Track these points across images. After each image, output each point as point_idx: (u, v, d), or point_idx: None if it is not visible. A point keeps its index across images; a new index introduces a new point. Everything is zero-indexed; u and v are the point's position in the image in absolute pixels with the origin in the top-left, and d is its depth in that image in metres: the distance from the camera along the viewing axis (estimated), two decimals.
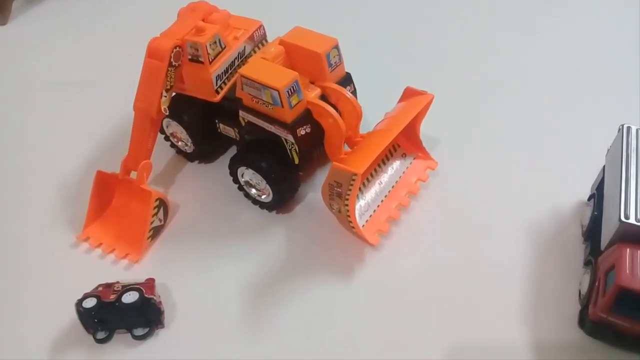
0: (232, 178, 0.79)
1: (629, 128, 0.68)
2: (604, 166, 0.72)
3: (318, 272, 0.73)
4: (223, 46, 0.76)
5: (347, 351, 0.67)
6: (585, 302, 0.65)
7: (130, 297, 0.67)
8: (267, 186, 0.76)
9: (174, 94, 0.77)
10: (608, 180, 0.69)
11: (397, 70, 0.96)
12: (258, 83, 0.71)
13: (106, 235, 0.79)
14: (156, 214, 0.77)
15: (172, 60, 0.73)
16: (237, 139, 0.81)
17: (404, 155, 0.82)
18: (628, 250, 0.59)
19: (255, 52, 0.80)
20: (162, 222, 0.79)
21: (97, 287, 0.70)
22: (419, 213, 0.78)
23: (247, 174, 0.77)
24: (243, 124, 0.77)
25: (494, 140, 0.86)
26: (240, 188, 0.80)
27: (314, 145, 0.76)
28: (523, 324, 0.67)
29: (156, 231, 0.78)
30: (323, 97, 0.75)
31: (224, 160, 0.84)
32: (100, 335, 0.69)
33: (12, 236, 0.81)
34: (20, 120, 0.97)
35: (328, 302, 0.71)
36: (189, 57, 0.75)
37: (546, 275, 0.71)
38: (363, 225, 0.74)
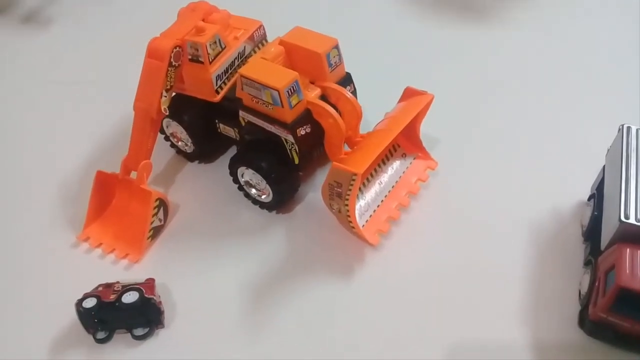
0: (232, 178, 0.79)
1: (629, 128, 0.68)
2: (604, 166, 0.72)
3: (318, 272, 0.73)
4: (223, 46, 0.76)
5: (347, 351, 0.67)
6: (585, 302, 0.65)
7: (130, 297, 0.67)
8: (267, 186, 0.76)
9: (174, 94, 0.77)
10: (608, 180, 0.69)
11: (397, 70, 0.96)
12: (258, 83, 0.71)
13: (106, 235, 0.79)
14: (156, 214, 0.77)
15: (172, 60, 0.73)
16: (237, 139, 0.81)
17: (404, 155, 0.82)
18: (628, 250, 0.59)
19: (255, 52, 0.80)
20: (162, 222, 0.79)
21: (97, 287, 0.70)
22: (419, 213, 0.78)
23: (247, 174, 0.77)
24: (243, 124, 0.77)
25: (493, 140, 0.86)
26: (240, 188, 0.80)
27: (314, 145, 0.76)
28: (523, 324, 0.67)
29: (156, 231, 0.78)
30: (323, 97, 0.75)
31: (224, 160, 0.84)
32: (100, 335, 0.69)
33: (12, 236, 0.81)
34: (20, 120, 0.97)
35: (328, 302, 0.71)
36: (189, 57, 0.75)
37: (546, 275, 0.71)
38: (363, 225, 0.74)
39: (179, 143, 0.85)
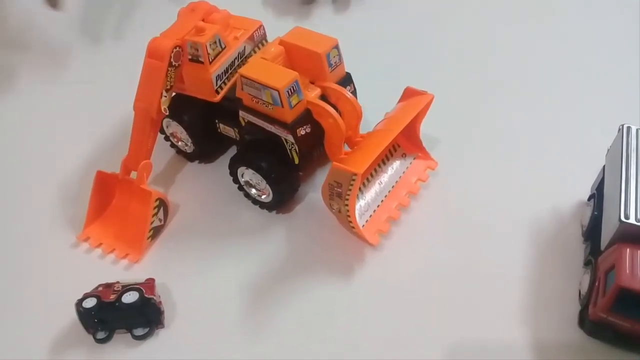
0: (232, 178, 0.79)
1: (629, 128, 0.68)
2: (604, 166, 0.72)
3: (318, 272, 0.73)
4: (223, 46, 0.75)
5: (347, 351, 0.67)
6: (585, 302, 0.65)
7: (130, 297, 0.67)
8: (267, 186, 0.76)
9: (173, 94, 0.77)
10: (608, 180, 0.69)
11: (397, 70, 0.96)
12: (258, 83, 0.71)
13: (106, 235, 0.79)
14: (156, 214, 0.77)
15: (172, 60, 0.73)
16: (237, 139, 0.81)
17: (404, 155, 0.82)
18: (628, 250, 0.59)
19: (255, 52, 0.80)
20: (162, 222, 0.79)
21: (97, 287, 0.70)
22: (419, 213, 0.78)
23: (247, 174, 0.77)
24: (243, 124, 0.77)
25: (493, 140, 0.86)
26: (240, 188, 0.80)
27: (314, 145, 0.76)
28: (523, 324, 0.67)
29: (156, 231, 0.78)
30: (323, 97, 0.75)
31: (224, 160, 0.84)
32: (100, 335, 0.69)
33: (12, 236, 0.81)
34: (20, 120, 0.97)
35: (328, 302, 0.71)
36: (189, 57, 0.75)
37: (546, 275, 0.71)
38: (363, 225, 0.74)
39: (179, 143, 0.85)
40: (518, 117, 0.89)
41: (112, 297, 0.67)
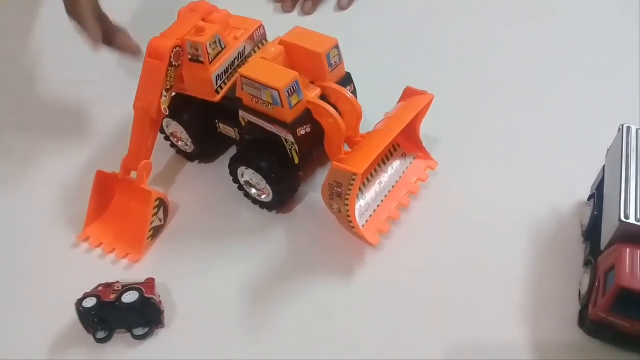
0: (232, 178, 0.79)
1: (629, 128, 0.68)
2: (604, 166, 0.72)
3: (318, 272, 0.73)
4: (223, 46, 0.75)
5: (347, 351, 0.67)
6: (585, 302, 0.65)
7: (130, 297, 0.67)
8: (267, 186, 0.76)
9: (173, 93, 0.77)
10: (608, 180, 0.69)
11: (397, 70, 0.96)
12: (258, 83, 0.71)
13: (106, 235, 0.79)
14: (156, 214, 0.77)
15: (172, 60, 0.73)
16: (237, 138, 0.81)
17: (404, 155, 0.82)
18: (628, 250, 0.59)
19: (255, 52, 0.80)
20: (162, 222, 0.79)
21: (97, 287, 0.70)
22: (418, 213, 0.78)
23: (247, 174, 0.77)
24: (243, 124, 0.77)
25: (493, 140, 0.86)
26: (240, 188, 0.80)
27: (314, 145, 0.76)
28: (523, 324, 0.67)
29: (156, 231, 0.78)
30: (323, 97, 0.75)
31: (224, 160, 0.84)
32: (100, 335, 0.69)
33: (12, 236, 0.81)
34: (19, 119, 0.97)
35: (328, 302, 0.71)
36: (189, 57, 0.75)
37: (546, 275, 0.71)
38: (363, 225, 0.74)
39: (179, 143, 0.85)
40: (518, 117, 0.89)
41: (112, 297, 0.67)
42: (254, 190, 0.79)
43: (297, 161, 0.76)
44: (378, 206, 0.77)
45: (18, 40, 1.12)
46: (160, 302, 0.69)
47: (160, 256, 0.77)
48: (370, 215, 0.76)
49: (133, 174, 0.79)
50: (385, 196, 0.78)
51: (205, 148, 0.85)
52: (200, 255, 0.77)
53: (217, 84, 0.76)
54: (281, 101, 0.70)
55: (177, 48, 0.73)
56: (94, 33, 0.79)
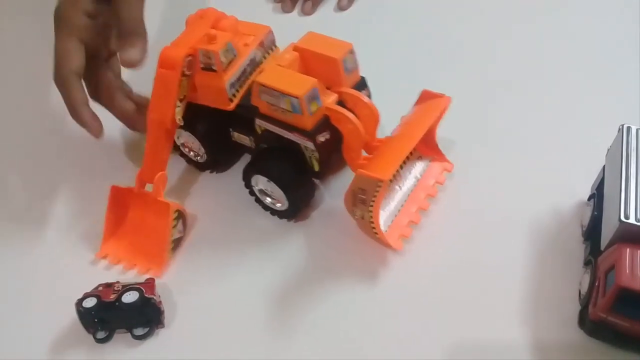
0: (245, 187, 0.78)
1: (629, 128, 0.68)
2: (604, 166, 0.72)
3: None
4: (235, 53, 0.74)
5: (352, 352, 0.67)
6: (585, 302, 0.65)
7: (130, 297, 0.67)
8: (282, 194, 0.75)
9: None
10: (608, 180, 0.69)
11: (400, 71, 0.96)
12: (277, 91, 0.70)
13: (125, 251, 0.77)
14: (175, 225, 0.76)
15: (184, 69, 0.72)
16: (252, 147, 0.80)
17: (420, 158, 0.82)
18: (628, 250, 0.59)
19: (265, 57, 0.79)
20: (182, 234, 0.78)
21: (97, 287, 0.70)
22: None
23: (261, 183, 0.77)
24: (259, 132, 0.76)
25: (493, 140, 0.86)
26: (255, 198, 0.79)
27: (333, 151, 0.76)
28: (523, 324, 0.67)
29: (176, 243, 0.77)
30: (340, 103, 0.75)
31: (235, 169, 0.84)
32: (100, 335, 0.69)
33: (13, 236, 0.81)
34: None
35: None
36: (202, 65, 0.73)
37: (546, 275, 0.71)
38: (386, 231, 0.74)
39: (190, 153, 0.84)
40: (517, 117, 0.89)
41: (112, 296, 0.67)
42: (268, 199, 0.78)
43: (317, 168, 0.75)
44: (399, 211, 0.77)
45: (18, 41, 1.13)
46: (160, 302, 0.69)
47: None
48: (392, 221, 0.76)
49: (148, 187, 0.77)
50: (406, 200, 0.78)
51: (218, 157, 0.84)
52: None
53: (230, 92, 0.75)
54: (301, 108, 0.69)
55: (189, 57, 0.72)
56: (88, 122, 0.75)
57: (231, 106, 0.75)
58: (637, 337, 0.61)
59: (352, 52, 0.76)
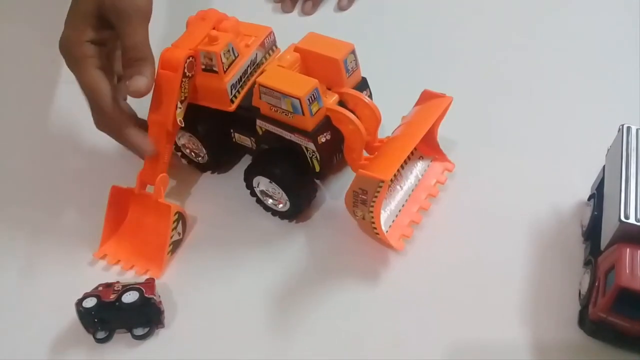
0: (246, 188, 0.78)
1: (629, 128, 0.68)
2: (604, 166, 0.72)
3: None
4: (236, 54, 0.74)
5: (349, 352, 0.67)
6: (585, 302, 0.65)
7: (130, 297, 0.67)
8: (284, 195, 0.75)
9: None
10: (608, 180, 0.69)
11: (401, 71, 0.96)
12: (278, 92, 0.70)
13: (123, 251, 0.77)
14: (175, 227, 0.76)
15: (185, 70, 0.71)
16: (253, 148, 0.80)
17: (421, 158, 0.82)
18: (628, 250, 0.59)
19: (266, 58, 0.79)
20: (181, 236, 0.78)
21: (97, 287, 0.70)
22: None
23: (262, 184, 0.76)
24: (260, 132, 0.76)
25: (494, 140, 0.86)
26: (257, 199, 0.79)
27: (334, 152, 0.76)
28: (523, 324, 0.67)
29: (175, 245, 0.77)
30: (341, 103, 0.75)
31: (237, 170, 0.84)
32: (100, 335, 0.69)
33: (12, 236, 0.81)
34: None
35: (328, 304, 0.71)
36: (203, 66, 0.73)
37: (546, 275, 0.71)
38: (387, 231, 0.74)
39: (191, 154, 0.84)
40: (517, 117, 0.89)
41: (112, 296, 0.67)
42: (270, 200, 0.78)
43: (318, 169, 0.75)
44: (400, 211, 0.77)
45: (16, 41, 1.13)
46: (160, 302, 0.69)
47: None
48: (393, 221, 0.76)
49: (149, 188, 0.77)
50: (407, 200, 0.78)
51: (219, 159, 0.84)
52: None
53: (231, 93, 0.75)
54: (302, 109, 0.69)
55: (191, 58, 0.71)
56: (140, 144, 0.74)
57: (232, 107, 0.75)
58: (637, 337, 0.61)
59: (353, 52, 0.76)
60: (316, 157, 0.74)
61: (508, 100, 0.91)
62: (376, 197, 0.67)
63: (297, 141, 0.73)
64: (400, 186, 0.79)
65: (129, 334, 0.69)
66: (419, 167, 0.81)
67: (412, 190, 0.79)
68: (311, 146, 0.72)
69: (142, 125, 0.76)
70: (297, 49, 0.77)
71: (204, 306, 0.72)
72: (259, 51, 0.77)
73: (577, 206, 0.77)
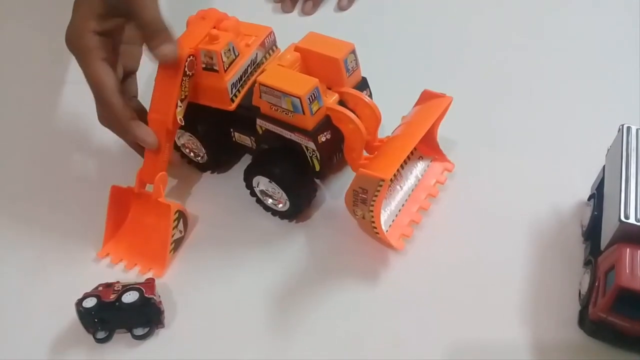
0: (246, 188, 0.78)
1: (629, 128, 0.68)
2: (604, 166, 0.72)
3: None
4: (237, 54, 0.74)
5: (353, 352, 0.67)
6: (585, 302, 0.65)
7: (130, 297, 0.67)
8: (284, 195, 0.75)
9: None
10: (608, 180, 0.69)
11: (401, 71, 0.96)
12: (278, 91, 0.70)
13: (126, 250, 0.77)
14: (176, 226, 0.76)
15: (186, 69, 0.72)
16: (253, 147, 0.80)
17: (421, 158, 0.82)
18: (628, 250, 0.59)
19: (266, 58, 0.79)
20: (183, 234, 0.78)
21: (97, 287, 0.70)
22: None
23: (262, 183, 0.76)
24: (260, 132, 0.76)
25: (494, 140, 0.86)
26: (257, 199, 0.79)
27: (334, 151, 0.76)
28: (523, 324, 0.67)
29: (177, 243, 0.77)
30: (341, 103, 0.75)
31: (237, 169, 0.84)
32: (100, 335, 0.69)
33: (12, 236, 0.81)
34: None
35: (328, 304, 0.71)
36: (203, 65, 0.73)
37: (546, 275, 0.71)
38: (387, 231, 0.74)
39: (191, 154, 0.84)
40: (518, 117, 0.89)
41: (112, 297, 0.67)
42: (270, 200, 0.78)
43: (318, 168, 0.75)
44: (400, 210, 0.77)
45: (16, 41, 1.13)
46: (160, 302, 0.69)
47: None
48: (393, 220, 0.76)
49: (148, 187, 0.77)
50: (407, 200, 0.78)
51: (219, 158, 0.84)
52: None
53: (232, 93, 0.75)
54: (302, 108, 0.69)
55: (191, 57, 0.72)
56: (142, 138, 0.74)
57: (232, 106, 0.75)
58: (637, 337, 0.61)
59: (353, 52, 0.76)
60: (316, 156, 0.74)
61: (508, 100, 0.92)
62: (376, 196, 0.67)
63: (297, 140, 0.73)
64: (400, 186, 0.79)
65: (129, 334, 0.69)
66: (418, 167, 0.81)
67: (412, 190, 0.79)
68: (311, 145, 0.72)
69: (144, 122, 0.75)
70: (297, 49, 0.77)
71: (204, 306, 0.72)
72: (259, 51, 0.77)
73: (577, 206, 0.77)
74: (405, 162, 0.80)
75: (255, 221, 0.79)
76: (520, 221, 0.76)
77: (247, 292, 0.73)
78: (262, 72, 0.76)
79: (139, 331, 0.69)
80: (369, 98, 0.76)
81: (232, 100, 0.75)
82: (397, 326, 0.68)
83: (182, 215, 0.76)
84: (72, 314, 0.67)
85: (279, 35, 0.80)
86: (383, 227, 0.72)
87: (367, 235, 0.76)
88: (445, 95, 0.77)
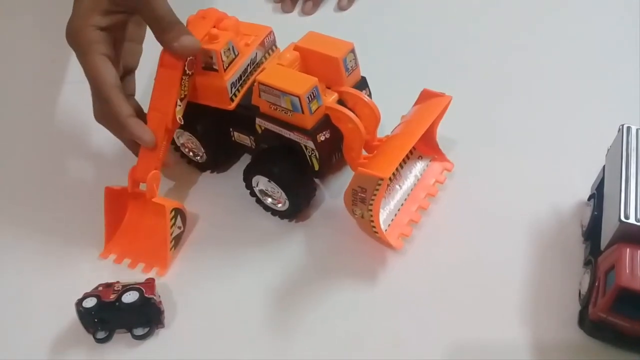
0: (246, 187, 0.78)
1: (629, 128, 0.68)
2: (604, 166, 0.72)
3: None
4: (236, 53, 0.74)
5: (353, 352, 0.67)
6: (585, 302, 0.65)
7: (130, 297, 0.67)
8: (283, 194, 0.75)
9: None
10: (608, 180, 0.69)
11: (400, 71, 0.96)
12: (277, 90, 0.70)
13: (128, 250, 0.77)
14: (174, 223, 0.75)
15: (185, 68, 0.71)
16: (253, 147, 0.80)
17: (420, 158, 0.82)
18: (628, 250, 0.59)
19: (266, 58, 0.79)
20: (182, 229, 0.78)
21: (97, 287, 0.70)
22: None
23: (262, 183, 0.76)
24: (259, 131, 0.76)
25: (493, 140, 0.86)
26: (255, 197, 0.79)
27: (333, 150, 0.76)
28: (523, 324, 0.67)
29: (177, 239, 0.77)
30: (340, 102, 0.75)
31: (236, 169, 0.84)
32: (100, 335, 0.69)
33: (12, 236, 0.81)
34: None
35: (328, 304, 0.71)
36: (203, 65, 0.73)
37: (546, 275, 0.71)
38: (386, 230, 0.74)
39: (190, 153, 0.84)
40: (518, 117, 0.89)
41: (112, 297, 0.67)
42: (269, 200, 0.78)
43: (317, 167, 0.75)
44: (399, 210, 0.77)
45: (15, 41, 1.13)
46: (160, 302, 0.69)
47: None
48: (392, 219, 0.76)
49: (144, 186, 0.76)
50: (406, 199, 0.78)
51: (218, 158, 0.84)
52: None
53: (231, 92, 0.75)
54: (301, 107, 0.69)
55: (191, 56, 0.72)
56: (139, 135, 0.73)
57: (232, 106, 0.75)
58: (637, 337, 0.61)
59: (352, 51, 0.76)
60: (315, 155, 0.74)
61: (508, 100, 0.92)
62: (375, 195, 0.67)
63: (296, 139, 0.73)
64: (399, 185, 0.79)
65: (129, 334, 0.69)
66: (418, 166, 0.81)
67: (411, 190, 0.79)
68: (310, 144, 0.72)
69: (142, 120, 0.75)
70: (296, 48, 0.77)
71: (204, 306, 0.72)
72: (259, 50, 0.77)
73: (577, 206, 0.77)
74: (404, 161, 0.80)
75: (254, 221, 0.79)
76: (520, 221, 0.76)
77: (246, 292, 0.73)
78: (261, 71, 0.76)
79: (139, 331, 0.69)
80: (368, 97, 0.76)
81: (232, 100, 0.75)
82: (396, 326, 0.68)
83: (179, 212, 0.76)
84: (72, 314, 0.67)
85: (279, 35, 0.80)
86: (382, 226, 0.72)
87: (367, 235, 0.76)
88: (444, 95, 0.77)
